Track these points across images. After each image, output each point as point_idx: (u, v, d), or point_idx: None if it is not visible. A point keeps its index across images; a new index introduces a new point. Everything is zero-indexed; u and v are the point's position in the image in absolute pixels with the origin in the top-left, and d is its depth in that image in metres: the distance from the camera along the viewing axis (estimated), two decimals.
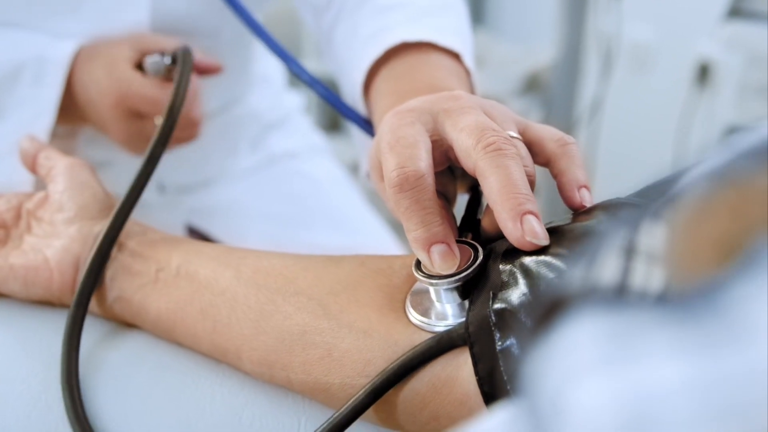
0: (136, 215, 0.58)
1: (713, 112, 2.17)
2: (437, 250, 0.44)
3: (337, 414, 0.44)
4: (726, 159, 0.23)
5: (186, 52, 0.71)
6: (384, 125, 0.48)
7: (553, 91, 2.06)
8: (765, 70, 1.98)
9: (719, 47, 2.04)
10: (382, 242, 1.08)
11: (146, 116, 0.75)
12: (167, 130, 0.62)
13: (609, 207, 0.43)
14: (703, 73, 2.23)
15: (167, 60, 0.74)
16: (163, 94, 0.72)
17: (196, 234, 1.02)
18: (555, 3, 2.03)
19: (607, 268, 0.21)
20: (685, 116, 2.21)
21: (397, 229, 1.34)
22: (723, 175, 0.21)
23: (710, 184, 0.22)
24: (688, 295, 0.19)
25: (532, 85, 2.18)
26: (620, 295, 0.20)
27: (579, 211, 0.45)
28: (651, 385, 0.17)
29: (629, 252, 0.21)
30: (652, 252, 0.21)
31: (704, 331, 0.17)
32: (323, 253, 0.53)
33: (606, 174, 2.19)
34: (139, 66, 0.75)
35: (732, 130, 2.04)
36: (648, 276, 0.20)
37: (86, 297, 0.54)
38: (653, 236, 0.21)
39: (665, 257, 0.21)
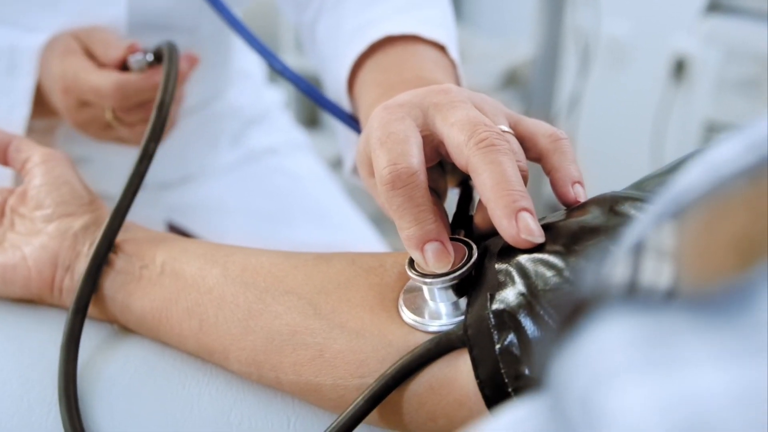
0: None
1: (690, 107, 2.18)
2: (431, 248, 0.43)
3: (336, 422, 0.43)
4: (736, 152, 0.22)
5: (171, 48, 0.70)
6: (373, 120, 0.47)
7: (532, 86, 2.06)
8: (743, 64, 1.99)
9: (697, 42, 2.05)
10: (364, 238, 1.08)
11: (95, 105, 0.74)
12: (158, 127, 0.61)
13: (604, 201, 0.42)
14: (679, 67, 2.24)
15: (149, 57, 0.73)
16: (109, 83, 0.71)
17: (177, 231, 1.00)
18: None
19: (629, 268, 0.21)
20: (661, 110, 2.22)
21: (379, 224, 1.33)
22: (737, 170, 0.21)
23: (723, 179, 0.21)
24: (713, 297, 0.18)
25: (511, 80, 2.17)
26: (646, 295, 0.19)
27: (573, 207, 0.45)
28: (699, 392, 0.17)
29: (652, 250, 0.21)
30: (670, 250, 0.21)
31: (745, 337, 0.17)
32: (305, 250, 0.52)
33: (584, 168, 2.19)
34: (124, 65, 0.74)
35: (709, 125, 2.05)
36: (665, 275, 0.20)
37: (84, 304, 0.52)
38: (670, 234, 0.21)
39: (678, 255, 0.20)
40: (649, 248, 0.21)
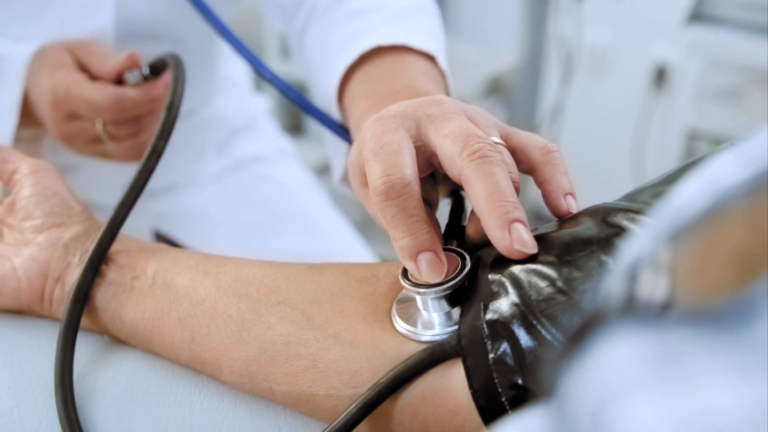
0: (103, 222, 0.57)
1: (671, 115, 2.20)
2: (424, 258, 0.43)
3: (328, 429, 0.43)
4: (734, 166, 0.22)
5: (175, 56, 0.71)
6: (366, 131, 0.47)
7: (515, 94, 2.07)
8: (724, 73, 2.01)
9: (678, 51, 2.07)
10: (350, 246, 1.08)
11: (85, 118, 0.74)
12: (168, 126, 0.62)
13: (596, 212, 0.43)
14: (660, 76, 2.26)
15: (146, 71, 0.74)
16: (106, 97, 0.72)
17: (164, 239, 1.00)
18: (516, 6, 2.04)
19: (629, 284, 0.21)
20: (643, 118, 2.24)
21: (365, 230, 1.33)
22: (736, 185, 0.21)
23: (722, 194, 0.21)
24: (715, 311, 0.18)
25: (494, 88, 2.18)
26: (647, 311, 0.20)
27: (565, 218, 0.45)
28: (712, 409, 0.17)
29: (650, 266, 0.21)
30: (669, 266, 0.21)
31: (750, 355, 0.17)
32: (292, 259, 0.52)
33: (569, 175, 2.20)
34: (118, 80, 0.75)
35: (690, 133, 2.07)
36: (663, 289, 0.20)
37: (78, 314, 0.52)
38: (669, 250, 0.21)
39: (677, 270, 0.20)
40: (648, 264, 0.21)
